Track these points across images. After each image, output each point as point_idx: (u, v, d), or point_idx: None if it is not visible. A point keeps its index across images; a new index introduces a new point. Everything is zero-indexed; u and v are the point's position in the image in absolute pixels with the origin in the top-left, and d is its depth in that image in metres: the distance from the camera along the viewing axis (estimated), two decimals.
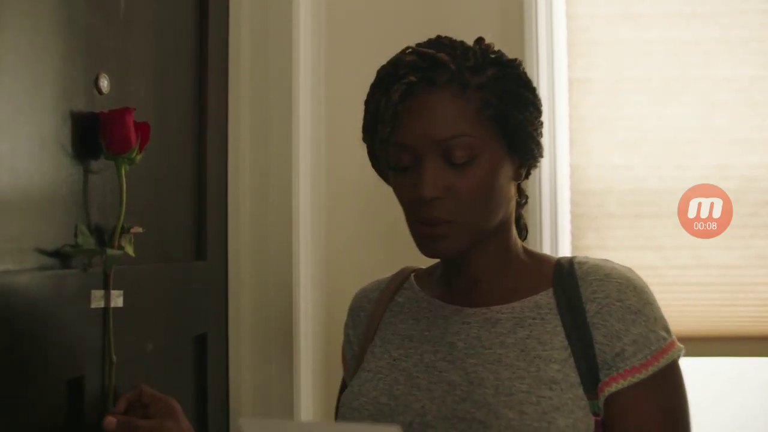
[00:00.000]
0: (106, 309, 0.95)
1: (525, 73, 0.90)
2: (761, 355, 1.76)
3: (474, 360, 0.86)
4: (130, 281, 1.02)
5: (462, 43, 0.88)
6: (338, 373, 1.66)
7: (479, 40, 0.89)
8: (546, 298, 0.88)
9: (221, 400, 1.42)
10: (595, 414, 0.82)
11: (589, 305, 0.85)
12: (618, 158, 1.78)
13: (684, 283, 1.77)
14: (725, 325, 1.76)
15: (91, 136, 0.95)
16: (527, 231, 1.01)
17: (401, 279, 1.02)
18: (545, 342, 0.85)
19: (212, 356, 1.36)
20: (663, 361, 0.84)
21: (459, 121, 0.83)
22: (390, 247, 1.69)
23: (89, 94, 0.97)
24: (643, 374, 0.83)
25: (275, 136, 1.48)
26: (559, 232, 1.76)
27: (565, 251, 1.77)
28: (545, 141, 1.85)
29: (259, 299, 1.46)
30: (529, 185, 1.71)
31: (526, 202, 1.00)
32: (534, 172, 1.85)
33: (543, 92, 1.73)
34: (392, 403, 0.87)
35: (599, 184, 1.78)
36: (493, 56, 0.88)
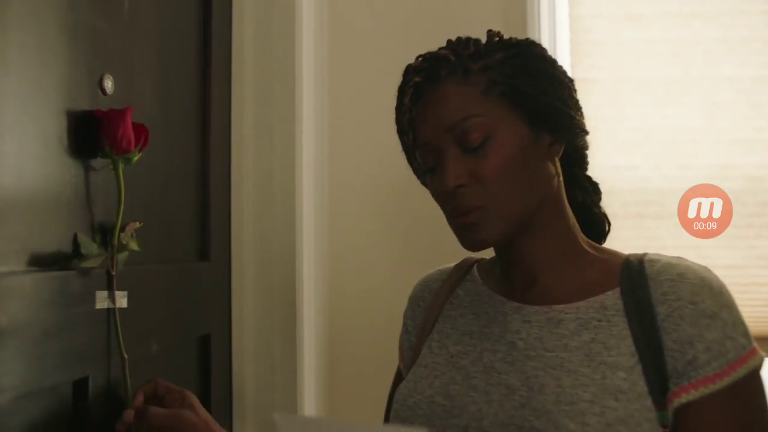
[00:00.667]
0: (112, 308, 0.95)
1: (542, 50, 0.88)
2: (764, 355, 1.76)
3: (535, 363, 0.81)
4: (134, 282, 1.02)
5: (467, 37, 0.88)
6: (341, 374, 1.67)
7: (488, 32, 0.89)
8: (613, 298, 0.82)
9: (224, 401, 1.42)
10: (664, 426, 0.76)
11: (660, 308, 0.78)
12: (621, 158, 1.79)
13: None
14: None
15: (94, 135, 0.95)
16: (609, 224, 0.95)
17: (464, 270, 0.97)
18: (611, 347, 0.79)
19: (216, 357, 1.37)
20: (741, 371, 0.76)
21: (465, 104, 0.83)
22: (393, 247, 1.69)
23: (94, 94, 0.97)
24: (718, 385, 0.75)
25: (278, 137, 1.48)
26: None
27: None
28: None
29: (262, 300, 1.47)
30: None
31: (596, 192, 0.96)
32: None
33: None
34: (447, 404, 0.84)
35: (602, 184, 1.78)
36: (501, 41, 0.87)
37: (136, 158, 0.97)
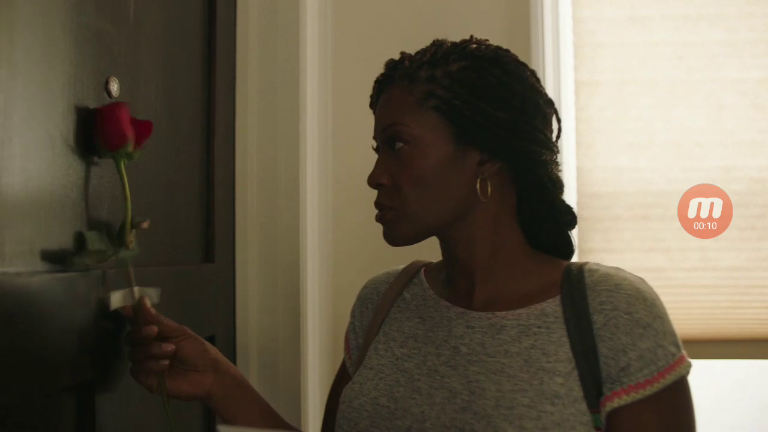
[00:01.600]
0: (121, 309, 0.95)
1: (504, 68, 0.88)
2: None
3: (476, 368, 0.85)
4: (138, 283, 1.03)
5: (440, 42, 0.91)
6: None
7: (470, 37, 0.91)
8: (553, 305, 0.86)
9: None
10: (597, 428, 0.80)
11: (596, 316, 0.82)
12: (625, 160, 1.79)
13: (691, 285, 1.77)
14: (732, 328, 1.76)
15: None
16: (571, 248, 0.95)
17: (411, 273, 1.01)
18: (550, 353, 0.82)
19: None
20: (669, 378, 0.80)
21: (399, 110, 0.88)
22: (397, 250, 1.70)
23: (100, 97, 0.98)
24: (648, 391, 0.80)
25: (282, 139, 1.49)
26: None
27: None
28: None
29: (267, 301, 1.47)
30: None
31: (572, 221, 0.93)
32: None
33: (549, 94, 1.73)
34: (391, 406, 0.87)
35: (606, 186, 1.78)
36: (471, 49, 0.89)
37: (135, 153, 0.92)
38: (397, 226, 0.89)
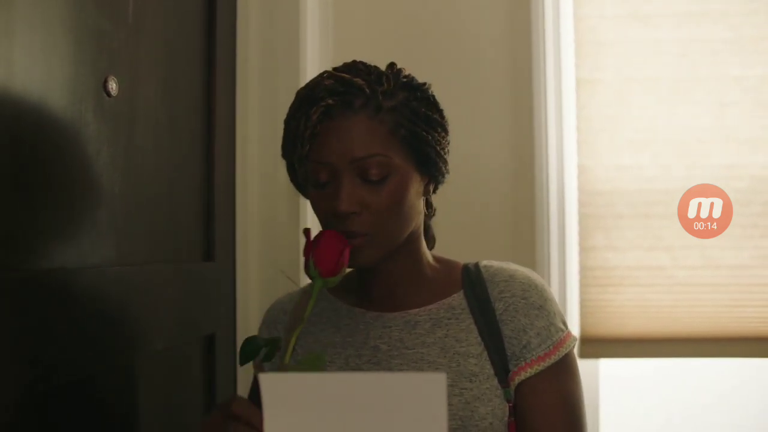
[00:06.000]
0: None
1: (433, 96, 0.96)
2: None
3: (399, 360, 0.94)
4: (140, 282, 1.03)
5: (376, 68, 0.95)
6: None
7: (391, 65, 0.96)
8: (458, 299, 0.97)
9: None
10: (508, 401, 0.92)
11: (498, 304, 0.95)
12: (626, 158, 1.78)
13: (693, 284, 1.76)
14: (734, 326, 1.75)
15: (96, 125, 0.95)
16: (434, 241, 1.05)
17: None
18: (461, 339, 0.94)
19: (220, 356, 1.37)
20: (562, 351, 0.94)
21: (374, 141, 0.90)
22: None
23: (98, 96, 0.98)
24: (547, 362, 0.93)
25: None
26: (566, 233, 1.76)
27: (572, 252, 1.77)
28: (552, 141, 1.84)
29: (266, 300, 1.47)
30: (536, 185, 1.72)
31: (433, 214, 1.05)
32: (541, 173, 1.84)
33: (550, 93, 1.73)
34: None
35: (607, 184, 1.78)
36: (404, 80, 0.94)
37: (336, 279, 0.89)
38: (368, 251, 0.91)
